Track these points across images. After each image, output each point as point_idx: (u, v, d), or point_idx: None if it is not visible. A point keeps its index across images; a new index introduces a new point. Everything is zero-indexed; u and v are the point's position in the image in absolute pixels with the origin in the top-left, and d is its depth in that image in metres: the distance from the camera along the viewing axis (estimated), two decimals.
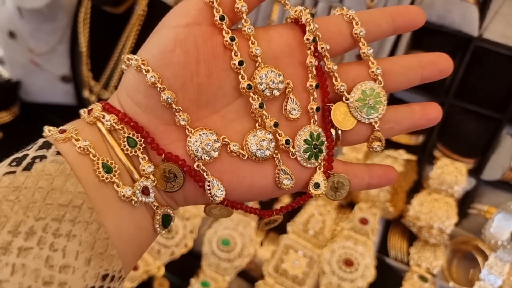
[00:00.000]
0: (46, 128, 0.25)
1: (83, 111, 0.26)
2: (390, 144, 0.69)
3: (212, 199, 0.25)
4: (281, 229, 0.65)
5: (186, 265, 0.62)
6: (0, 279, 0.19)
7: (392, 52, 0.65)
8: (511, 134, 0.67)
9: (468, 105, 0.66)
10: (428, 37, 0.65)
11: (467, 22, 0.63)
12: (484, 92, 0.66)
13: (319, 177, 0.27)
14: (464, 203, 0.70)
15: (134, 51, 0.67)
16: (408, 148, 0.68)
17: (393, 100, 0.71)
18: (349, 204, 0.70)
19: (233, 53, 0.25)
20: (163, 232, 0.26)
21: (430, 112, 0.29)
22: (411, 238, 0.67)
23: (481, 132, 0.67)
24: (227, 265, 0.61)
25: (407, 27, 0.28)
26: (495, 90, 0.65)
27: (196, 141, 0.24)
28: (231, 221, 0.64)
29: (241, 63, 0.25)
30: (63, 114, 0.78)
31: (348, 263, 0.61)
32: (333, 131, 0.28)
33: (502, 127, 0.65)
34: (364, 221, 0.64)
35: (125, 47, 0.67)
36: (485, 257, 0.63)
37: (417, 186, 0.71)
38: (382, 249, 0.66)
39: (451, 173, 0.63)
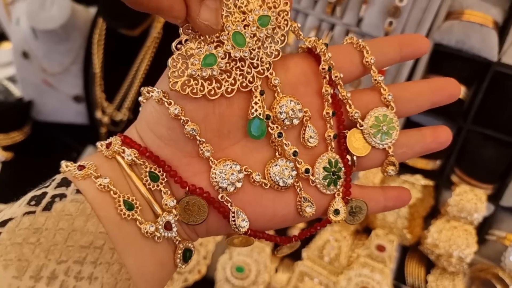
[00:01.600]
0: (64, 163, 0.24)
1: (100, 145, 0.25)
2: (407, 169, 0.68)
3: (237, 230, 0.25)
4: (296, 256, 0.64)
5: None
6: None
7: (410, 77, 0.64)
8: None
9: (487, 131, 0.65)
10: (446, 62, 0.65)
11: (487, 47, 0.62)
12: (503, 117, 0.65)
13: (338, 204, 0.27)
14: (482, 229, 0.68)
15: (149, 73, 0.67)
16: (425, 173, 0.67)
17: (410, 124, 0.70)
18: (365, 230, 0.68)
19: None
20: (183, 266, 0.26)
21: (441, 136, 0.29)
22: (429, 265, 0.66)
23: (499, 157, 0.66)
24: None
25: (413, 55, 0.29)
26: None
27: (221, 173, 0.25)
28: (245, 248, 0.63)
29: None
30: (75, 134, 0.77)
31: None
32: (349, 157, 0.28)
33: None
34: (381, 248, 0.63)
35: (140, 70, 0.66)
36: (505, 286, 0.61)
37: (434, 212, 0.69)
38: (399, 276, 0.65)
39: (470, 200, 0.62)
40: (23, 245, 0.20)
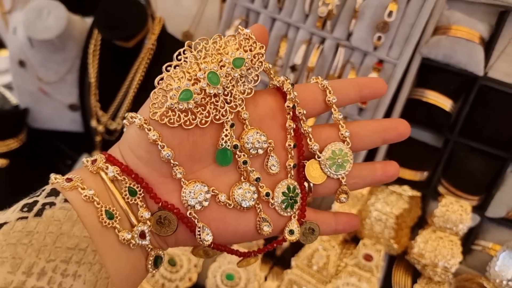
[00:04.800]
0: (53, 176, 0.27)
1: (86, 161, 0.28)
2: (395, 180, 0.69)
3: (201, 243, 0.28)
4: (285, 264, 0.65)
5: None
6: None
7: (398, 90, 0.66)
8: None
9: (473, 143, 0.67)
10: (434, 75, 0.66)
11: (473, 62, 0.63)
12: (489, 130, 0.66)
13: (293, 225, 0.31)
14: (468, 239, 0.70)
15: (143, 84, 0.68)
16: (413, 184, 0.68)
17: None
18: (353, 240, 0.70)
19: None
20: (154, 271, 0.29)
21: (390, 170, 0.32)
22: (415, 274, 0.67)
23: (485, 169, 0.67)
24: None
25: (372, 96, 0.32)
26: (500, 129, 0.66)
27: (190, 192, 0.28)
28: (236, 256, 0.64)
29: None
30: (70, 142, 0.78)
31: None
32: (306, 184, 0.31)
33: (507, 165, 0.65)
34: (368, 258, 0.64)
35: (134, 80, 0.67)
36: None
37: (421, 222, 0.71)
38: (386, 285, 0.66)
39: (456, 211, 0.63)
40: (17, 245, 0.22)
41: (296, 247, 0.67)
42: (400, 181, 0.69)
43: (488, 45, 0.65)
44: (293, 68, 0.67)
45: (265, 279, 0.64)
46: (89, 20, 0.74)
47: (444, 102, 0.66)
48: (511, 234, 0.68)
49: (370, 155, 0.70)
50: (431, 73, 0.66)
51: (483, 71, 0.64)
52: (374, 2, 0.61)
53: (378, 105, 0.66)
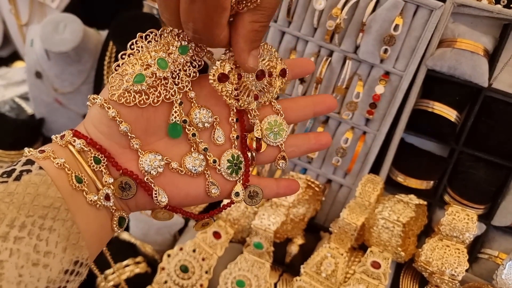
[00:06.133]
0: (26, 149, 0.30)
1: (55, 137, 0.32)
2: (402, 189, 0.70)
3: (158, 204, 0.32)
4: (295, 271, 0.66)
5: None
6: (1, 259, 0.24)
7: (404, 100, 0.68)
8: None
9: (478, 153, 0.68)
10: (439, 87, 0.68)
11: (477, 74, 0.65)
12: (494, 140, 0.67)
13: (239, 188, 0.35)
14: (475, 248, 0.71)
15: None
16: (419, 193, 0.69)
17: (405, 144, 0.73)
18: (361, 247, 0.71)
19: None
20: (119, 231, 0.32)
21: (322, 139, 0.37)
22: (423, 282, 0.68)
23: (490, 179, 0.68)
24: None
25: (303, 74, 0.38)
26: (504, 138, 0.67)
27: (146, 161, 0.32)
28: (246, 263, 0.65)
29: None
30: None
31: None
32: (249, 154, 0.35)
33: None
34: (376, 265, 0.65)
35: None
36: None
37: (428, 229, 0.72)
38: None
39: (462, 220, 0.64)
40: (0, 203, 0.25)
41: (306, 254, 0.68)
42: (407, 190, 0.70)
43: (492, 57, 0.67)
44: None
45: (275, 286, 0.65)
46: (104, 33, 0.77)
47: (449, 113, 0.67)
48: None
49: (377, 164, 0.72)
50: (437, 85, 0.68)
51: (488, 83, 0.66)
52: (381, 16, 0.63)
53: (385, 116, 0.68)
